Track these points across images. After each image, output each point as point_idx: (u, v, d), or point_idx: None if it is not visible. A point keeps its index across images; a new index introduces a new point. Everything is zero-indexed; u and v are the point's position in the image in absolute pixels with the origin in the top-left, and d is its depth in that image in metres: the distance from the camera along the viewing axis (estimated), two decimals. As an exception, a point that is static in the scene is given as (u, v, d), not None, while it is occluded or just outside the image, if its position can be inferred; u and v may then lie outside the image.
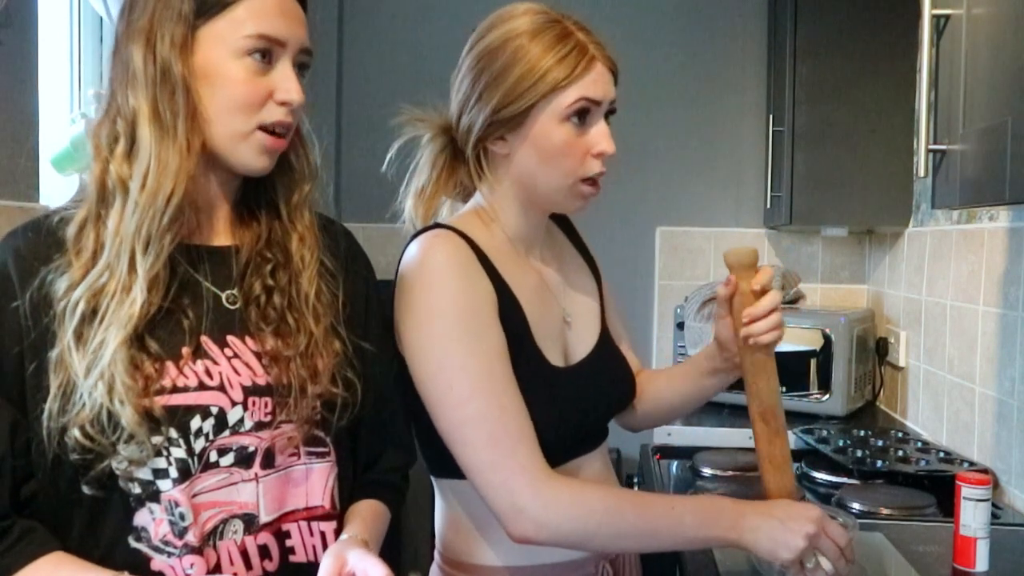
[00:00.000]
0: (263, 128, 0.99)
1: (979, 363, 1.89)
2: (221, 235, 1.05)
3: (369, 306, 1.14)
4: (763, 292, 1.14)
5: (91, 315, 0.92)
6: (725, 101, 2.98)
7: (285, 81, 0.98)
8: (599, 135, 1.14)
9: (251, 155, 0.99)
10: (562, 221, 1.37)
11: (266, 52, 0.97)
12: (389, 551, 1.13)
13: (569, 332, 1.24)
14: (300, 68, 1.02)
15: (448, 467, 1.13)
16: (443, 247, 1.12)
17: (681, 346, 2.67)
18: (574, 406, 1.18)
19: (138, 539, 0.95)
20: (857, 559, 1.10)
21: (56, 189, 1.87)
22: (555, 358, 1.19)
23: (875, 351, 2.61)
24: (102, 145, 0.96)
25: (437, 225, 1.17)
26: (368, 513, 1.10)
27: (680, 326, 2.67)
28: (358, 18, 3.07)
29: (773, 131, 2.64)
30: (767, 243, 2.98)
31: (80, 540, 0.96)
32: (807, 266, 2.94)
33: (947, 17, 1.23)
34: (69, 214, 0.97)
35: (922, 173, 1.26)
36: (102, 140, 0.96)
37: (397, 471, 1.18)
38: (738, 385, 1.35)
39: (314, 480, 1.04)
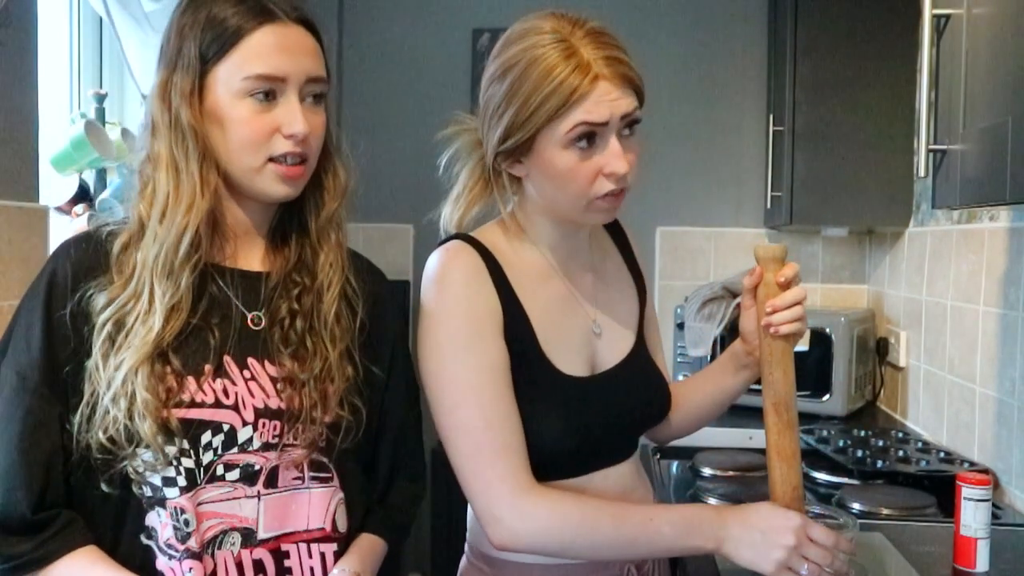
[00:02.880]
0: (273, 160, 1.03)
1: (979, 363, 1.89)
2: (255, 262, 1.11)
3: (389, 334, 1.18)
4: (788, 286, 1.15)
5: (117, 334, 0.99)
6: (725, 101, 2.98)
7: (289, 115, 1.03)
8: (609, 155, 1.11)
9: (268, 185, 1.05)
10: (617, 233, 1.38)
11: (268, 90, 1.02)
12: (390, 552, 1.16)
13: (598, 342, 1.24)
14: (314, 96, 1.06)
15: None
16: (453, 261, 1.15)
17: (681, 346, 2.66)
18: (596, 415, 1.19)
19: (149, 537, 1.01)
20: (857, 559, 1.10)
21: (56, 189, 1.87)
22: (575, 368, 1.19)
23: (875, 351, 2.61)
24: (140, 188, 1.05)
25: (457, 236, 1.19)
26: (366, 546, 1.13)
27: (680, 326, 2.66)
28: (358, 18, 3.07)
29: (773, 131, 2.63)
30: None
31: (106, 536, 1.01)
32: (807, 266, 2.93)
33: (947, 17, 1.23)
34: (117, 229, 1.05)
35: (922, 173, 1.26)
36: (141, 183, 1.05)
37: (405, 507, 1.20)
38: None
39: (315, 503, 1.07)
